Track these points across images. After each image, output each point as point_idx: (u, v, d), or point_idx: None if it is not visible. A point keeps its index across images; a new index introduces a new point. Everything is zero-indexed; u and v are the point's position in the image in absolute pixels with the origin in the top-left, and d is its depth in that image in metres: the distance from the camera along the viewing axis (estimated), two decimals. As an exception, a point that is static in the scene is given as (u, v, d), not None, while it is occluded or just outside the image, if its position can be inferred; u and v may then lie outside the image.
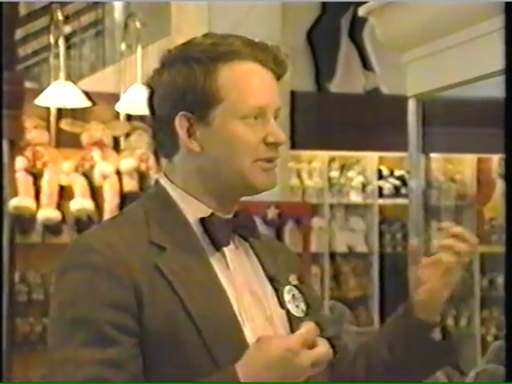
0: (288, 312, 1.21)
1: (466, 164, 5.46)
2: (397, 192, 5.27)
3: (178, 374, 1.10)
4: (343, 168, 5.23)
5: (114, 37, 4.70)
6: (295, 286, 1.24)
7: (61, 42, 3.90)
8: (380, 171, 5.32)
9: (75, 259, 1.13)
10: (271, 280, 1.23)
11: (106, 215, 3.79)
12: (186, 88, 1.16)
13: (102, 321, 1.08)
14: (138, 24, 3.93)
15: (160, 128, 1.21)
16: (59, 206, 3.77)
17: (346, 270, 5.14)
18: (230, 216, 1.21)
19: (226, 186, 1.18)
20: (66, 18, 4.22)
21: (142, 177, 3.89)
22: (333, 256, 5.19)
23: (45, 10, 4.52)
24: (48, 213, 3.73)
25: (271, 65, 1.18)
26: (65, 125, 3.82)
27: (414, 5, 2.82)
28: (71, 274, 1.12)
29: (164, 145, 1.21)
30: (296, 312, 1.21)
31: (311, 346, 1.05)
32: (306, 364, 1.04)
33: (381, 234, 5.24)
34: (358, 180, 5.25)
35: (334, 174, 5.16)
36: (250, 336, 1.14)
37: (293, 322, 1.20)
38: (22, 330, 3.70)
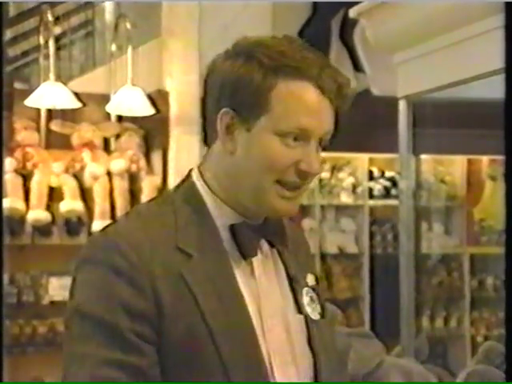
0: (305, 316, 1.20)
1: (455, 165, 5.47)
2: (387, 193, 5.28)
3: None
4: (334, 169, 5.24)
5: (104, 38, 4.69)
6: (312, 288, 1.24)
7: (51, 42, 3.88)
8: (371, 172, 5.32)
9: (101, 255, 1.11)
10: (291, 281, 1.22)
11: (97, 217, 3.78)
12: (239, 85, 1.13)
13: (123, 327, 1.07)
14: (128, 25, 3.92)
15: (206, 115, 1.18)
16: (49, 208, 3.76)
17: (336, 271, 5.14)
18: (259, 222, 1.18)
19: (246, 198, 1.15)
20: (56, 19, 4.20)
21: (133, 178, 3.88)
22: (323, 257, 5.19)
23: (34, 10, 4.49)
24: (38, 214, 3.72)
25: (332, 95, 1.13)
26: (55, 126, 3.81)
27: (405, 7, 2.83)
28: (95, 268, 1.11)
29: (207, 131, 1.19)
30: (313, 315, 1.21)
31: None
32: None
33: (371, 235, 5.25)
34: (349, 181, 5.25)
35: (325, 175, 5.16)
36: (266, 349, 1.13)
37: (310, 326, 1.20)
38: (11, 332, 3.67)
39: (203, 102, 1.19)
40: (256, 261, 1.17)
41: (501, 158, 5.42)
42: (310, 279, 1.24)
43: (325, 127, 1.14)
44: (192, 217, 1.15)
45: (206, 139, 1.20)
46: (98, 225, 3.74)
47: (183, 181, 1.21)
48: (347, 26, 5.01)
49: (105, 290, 1.09)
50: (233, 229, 1.15)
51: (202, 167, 1.20)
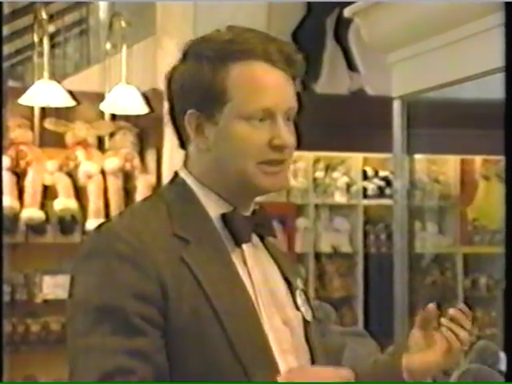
0: (302, 315, 1.22)
1: (449, 165, 5.48)
2: (381, 193, 5.28)
3: (202, 366, 1.09)
4: (328, 168, 5.24)
5: (98, 36, 4.68)
6: (303, 291, 1.25)
7: (45, 40, 3.87)
8: (365, 172, 5.33)
9: (101, 246, 1.13)
10: (286, 281, 1.23)
11: (91, 215, 3.77)
12: (195, 86, 1.16)
13: (129, 311, 1.07)
14: (123, 23, 3.91)
15: (175, 120, 1.21)
16: (43, 206, 3.75)
17: (330, 270, 5.15)
18: (247, 213, 1.20)
19: (234, 186, 1.18)
20: (50, 17, 4.19)
21: (127, 176, 3.87)
22: (318, 256, 5.19)
23: (29, 8, 4.48)
24: (31, 212, 3.71)
25: (282, 65, 1.16)
26: (49, 124, 3.80)
27: (399, 6, 2.83)
28: (97, 260, 1.11)
29: (180, 136, 1.21)
30: (307, 316, 1.22)
31: None
32: None
33: (365, 235, 5.25)
34: (343, 180, 5.25)
35: (319, 174, 5.16)
36: (269, 332, 1.15)
37: (306, 325, 1.21)
38: (5, 330, 3.66)
39: (170, 109, 1.21)
40: (247, 251, 1.19)
41: (494, 157, 5.44)
42: (299, 283, 1.26)
43: (286, 101, 1.17)
44: (185, 208, 1.18)
45: (182, 142, 1.22)
46: (92, 223, 3.73)
47: (172, 180, 1.23)
48: (342, 26, 5.02)
49: (109, 278, 1.09)
50: (225, 217, 1.17)
51: (187, 166, 1.22)
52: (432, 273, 5.33)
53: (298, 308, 1.22)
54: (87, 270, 1.12)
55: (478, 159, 5.48)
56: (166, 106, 1.23)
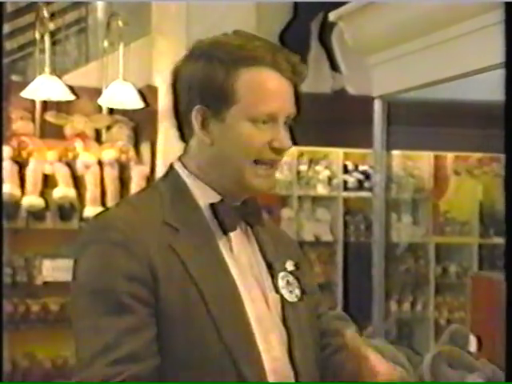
0: (282, 297, 1.22)
1: (423, 161, 5.50)
2: (360, 186, 5.29)
3: (188, 346, 1.10)
4: (311, 162, 5.24)
5: (97, 34, 4.64)
6: (290, 272, 1.25)
7: (46, 37, 3.83)
8: (345, 166, 5.33)
9: (96, 235, 1.14)
10: (268, 265, 1.24)
11: (88, 203, 3.75)
12: (206, 84, 1.17)
13: (120, 291, 1.09)
14: (120, 23, 3.88)
15: (179, 115, 1.21)
16: (43, 194, 3.73)
17: (312, 258, 5.15)
18: (238, 203, 1.21)
19: (228, 181, 1.19)
20: (52, 16, 4.14)
21: (123, 167, 3.86)
22: (301, 244, 5.11)
23: (31, 7, 4.43)
24: (32, 200, 3.69)
25: (289, 74, 1.19)
26: (49, 117, 3.77)
27: (380, 13, 2.82)
28: (92, 248, 1.13)
29: (182, 129, 1.22)
30: (289, 297, 1.23)
31: None
32: None
33: (345, 225, 5.25)
34: (325, 174, 5.26)
35: (303, 167, 5.16)
36: (251, 315, 1.16)
37: (285, 307, 1.22)
38: (6, 310, 3.64)
39: (174, 104, 1.22)
40: (234, 238, 1.20)
41: (465, 154, 5.46)
42: (289, 265, 1.26)
43: (289, 107, 1.20)
44: (176, 198, 1.19)
45: (183, 136, 1.23)
46: (89, 210, 3.72)
47: (167, 173, 1.24)
48: (326, 29, 5.01)
49: (104, 263, 1.11)
50: (213, 207, 1.19)
51: (184, 159, 1.22)
52: (406, 261, 5.35)
53: (277, 290, 1.22)
54: (85, 255, 1.13)
55: (449, 156, 5.50)
56: (167, 100, 1.22)
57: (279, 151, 1.19)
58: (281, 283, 1.23)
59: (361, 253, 4.87)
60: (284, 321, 1.21)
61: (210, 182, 1.20)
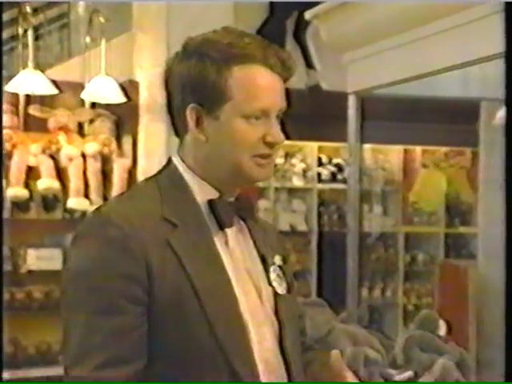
0: (273, 289, 1.24)
1: (393, 154, 5.58)
2: (333, 178, 5.35)
3: (180, 340, 1.10)
4: (287, 155, 5.29)
5: (79, 30, 4.62)
6: (279, 267, 1.27)
7: (29, 32, 3.81)
8: (319, 159, 5.39)
9: (94, 229, 1.13)
10: (262, 259, 1.25)
11: (71, 194, 3.76)
12: (198, 83, 1.16)
13: (114, 291, 1.08)
14: (102, 19, 3.88)
15: (173, 111, 1.20)
16: (27, 185, 3.72)
17: (288, 247, 5.20)
18: (232, 199, 1.22)
19: (227, 175, 1.19)
20: (34, 11, 4.12)
21: (105, 159, 3.86)
22: (277, 234, 5.22)
23: (14, 2, 4.40)
24: (16, 191, 3.69)
25: (279, 69, 1.19)
26: (33, 110, 3.76)
27: (355, 13, 2.87)
28: (88, 242, 1.11)
29: (176, 127, 1.21)
30: (279, 290, 1.25)
31: None
32: None
33: (319, 215, 5.32)
34: (300, 166, 5.31)
35: (279, 160, 5.20)
36: (244, 309, 1.16)
37: (277, 299, 1.23)
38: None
39: (167, 101, 1.21)
40: (230, 233, 1.20)
41: (432, 148, 5.55)
42: (277, 259, 1.28)
43: (280, 102, 1.19)
44: (175, 193, 1.18)
45: (177, 132, 1.22)
46: (72, 202, 3.72)
47: (165, 166, 1.23)
48: (300, 27, 5.05)
49: (100, 260, 1.09)
50: (211, 203, 1.18)
51: (181, 154, 1.22)
52: (377, 249, 5.44)
53: (270, 283, 1.23)
54: (81, 247, 1.12)
55: (418, 149, 5.59)
56: (163, 96, 1.21)
57: (273, 145, 1.18)
58: (272, 276, 1.23)
59: (334, 242, 4.95)
60: (276, 313, 1.22)
61: (207, 177, 1.19)
